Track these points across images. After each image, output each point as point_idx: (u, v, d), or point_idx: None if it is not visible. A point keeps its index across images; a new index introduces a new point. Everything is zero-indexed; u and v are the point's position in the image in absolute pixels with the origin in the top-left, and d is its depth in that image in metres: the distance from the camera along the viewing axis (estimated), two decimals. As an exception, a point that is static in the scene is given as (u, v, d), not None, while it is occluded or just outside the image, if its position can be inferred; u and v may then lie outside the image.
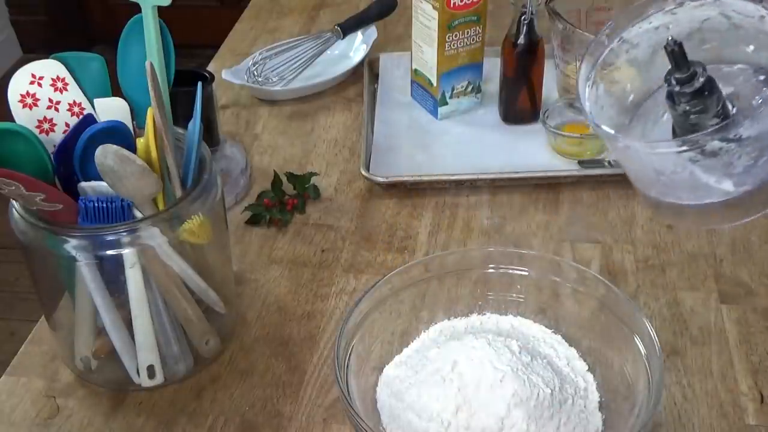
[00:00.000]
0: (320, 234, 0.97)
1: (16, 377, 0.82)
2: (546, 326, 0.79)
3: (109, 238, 0.72)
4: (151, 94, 0.72)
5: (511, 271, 0.81)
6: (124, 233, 0.72)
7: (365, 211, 1.01)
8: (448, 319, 0.81)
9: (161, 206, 0.75)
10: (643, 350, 0.71)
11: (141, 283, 0.74)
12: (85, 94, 0.76)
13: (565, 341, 0.78)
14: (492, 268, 0.81)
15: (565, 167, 1.05)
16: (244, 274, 0.92)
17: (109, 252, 0.73)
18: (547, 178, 1.03)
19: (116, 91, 0.77)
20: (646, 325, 0.71)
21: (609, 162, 1.04)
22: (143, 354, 0.77)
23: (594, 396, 0.74)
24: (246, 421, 0.77)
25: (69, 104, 0.76)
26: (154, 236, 0.73)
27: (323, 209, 1.01)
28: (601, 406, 0.73)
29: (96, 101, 0.76)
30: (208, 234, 0.76)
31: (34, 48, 2.93)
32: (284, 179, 1.02)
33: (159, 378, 0.79)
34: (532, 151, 1.08)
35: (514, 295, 0.81)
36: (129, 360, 0.78)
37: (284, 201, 1.00)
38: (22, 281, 2.05)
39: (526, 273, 0.81)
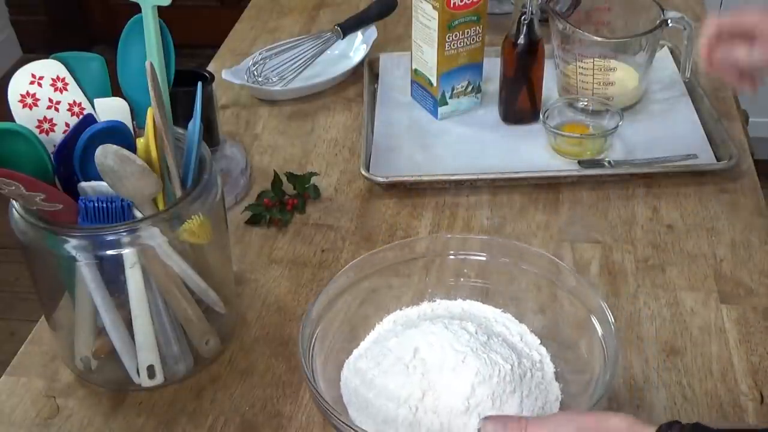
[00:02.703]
0: (320, 234, 0.97)
1: (16, 377, 0.82)
2: (497, 307, 0.81)
3: (109, 238, 0.72)
4: (151, 93, 0.72)
5: (460, 257, 0.83)
6: (124, 233, 0.72)
7: (365, 211, 1.01)
8: (401, 308, 0.82)
9: (161, 206, 0.75)
10: (599, 329, 0.73)
11: (141, 283, 0.74)
12: (85, 94, 0.76)
13: (516, 319, 0.80)
14: (439, 254, 0.83)
15: (565, 167, 1.05)
16: (244, 274, 0.92)
17: (109, 252, 0.73)
18: (547, 178, 1.03)
19: (116, 91, 0.77)
20: (601, 304, 0.73)
21: (609, 162, 1.04)
22: (143, 354, 0.77)
23: (549, 367, 0.76)
24: (246, 421, 0.77)
25: (69, 104, 0.76)
26: (154, 236, 0.73)
27: (323, 209, 1.01)
28: (557, 376, 0.75)
29: (96, 101, 0.76)
30: (208, 234, 0.76)
31: (34, 48, 2.93)
32: (284, 179, 1.02)
33: (159, 378, 0.79)
34: (532, 151, 1.08)
35: (463, 279, 0.83)
36: (129, 360, 0.78)
37: (284, 201, 1.00)
38: (22, 281, 2.05)
39: (477, 257, 0.82)
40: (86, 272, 0.73)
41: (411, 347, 0.74)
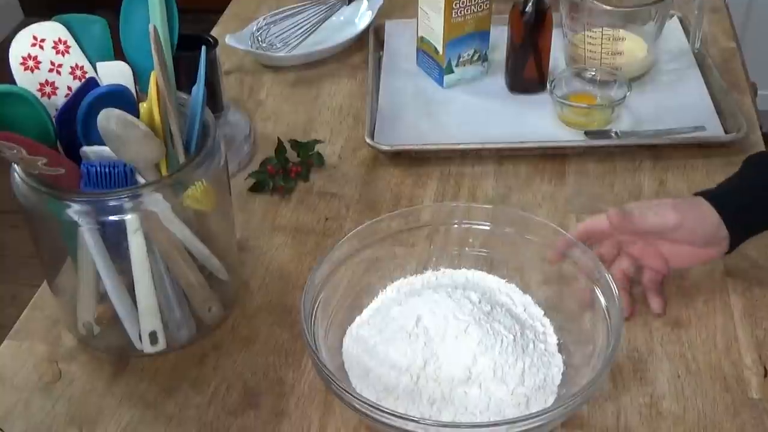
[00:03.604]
0: (324, 202, 0.97)
1: (18, 342, 0.82)
2: (501, 277, 0.81)
3: (112, 203, 0.71)
4: (155, 57, 0.71)
5: (464, 226, 0.82)
6: (127, 199, 0.71)
7: (369, 180, 1.00)
8: (404, 277, 0.82)
9: (164, 172, 0.74)
10: (603, 301, 0.73)
11: (143, 248, 0.74)
12: (87, 58, 0.75)
13: (520, 290, 0.80)
14: (444, 223, 0.83)
15: (572, 138, 1.04)
16: (248, 242, 0.92)
17: (112, 217, 0.72)
18: (554, 149, 1.02)
19: (119, 54, 0.76)
20: (606, 276, 0.73)
21: (616, 133, 1.03)
22: (145, 320, 0.77)
23: (552, 339, 0.76)
24: (248, 387, 0.77)
25: (71, 67, 0.75)
26: (157, 202, 0.72)
27: (327, 177, 1.00)
28: (561, 348, 0.76)
29: (98, 65, 0.75)
30: (211, 201, 0.76)
31: (35, 11, 2.90)
32: (288, 146, 1.01)
33: (161, 344, 0.78)
34: (538, 122, 1.07)
35: (467, 249, 0.83)
36: (131, 326, 0.77)
37: (288, 168, 1.00)
38: (24, 246, 2.05)
39: (481, 226, 0.82)
40: (88, 237, 0.73)
41: (414, 315, 0.74)
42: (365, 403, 0.66)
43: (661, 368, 0.76)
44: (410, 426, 0.65)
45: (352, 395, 0.67)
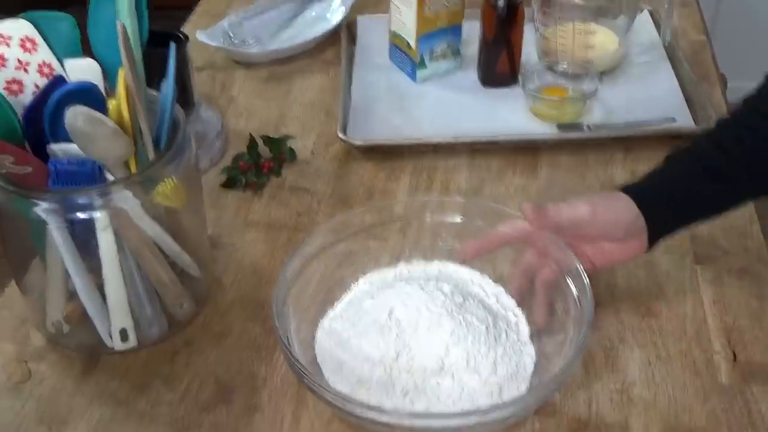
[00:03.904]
0: (296, 197, 0.97)
1: (-13, 341, 0.81)
2: (473, 269, 0.81)
3: (80, 201, 0.71)
4: (123, 54, 0.71)
5: (437, 219, 0.82)
6: (96, 196, 0.71)
7: (342, 175, 1.00)
8: (377, 270, 0.82)
9: (134, 169, 0.74)
10: (574, 291, 0.73)
11: (113, 246, 0.73)
12: (55, 55, 0.75)
13: (492, 281, 0.80)
14: (416, 217, 0.83)
15: (544, 131, 1.04)
16: (220, 238, 0.91)
17: (81, 215, 0.71)
18: (526, 142, 1.02)
19: (87, 51, 0.75)
20: (576, 265, 0.73)
21: (588, 126, 1.04)
22: (116, 317, 0.77)
23: (525, 328, 0.77)
24: (221, 383, 0.76)
25: (39, 65, 0.74)
26: (126, 199, 0.72)
27: (299, 172, 1.00)
28: (533, 337, 0.76)
29: (66, 62, 0.74)
30: (181, 197, 0.75)
31: (2, 7, 2.87)
32: (260, 142, 1.01)
33: (132, 341, 0.78)
34: (510, 115, 1.07)
35: (440, 242, 0.83)
36: (101, 324, 0.77)
37: (260, 164, 0.99)
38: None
39: (453, 219, 0.82)
40: (57, 236, 0.72)
41: (386, 308, 0.74)
42: (337, 396, 0.66)
43: (632, 356, 0.77)
44: (383, 418, 0.65)
45: (324, 389, 0.67)
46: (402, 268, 0.82)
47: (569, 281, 0.74)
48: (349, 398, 0.66)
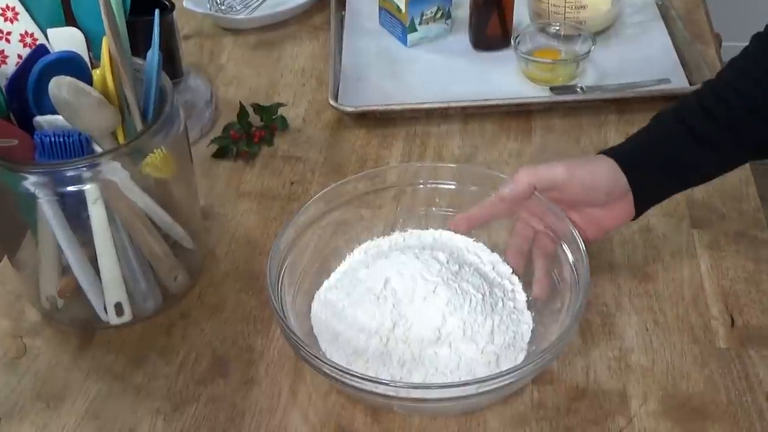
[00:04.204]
0: (289, 166, 0.95)
1: (-20, 318, 0.80)
2: (469, 236, 0.80)
3: (69, 173, 0.70)
4: (105, 22, 0.69)
5: (430, 186, 0.81)
6: (85, 168, 0.70)
7: (334, 142, 0.99)
8: (372, 239, 0.81)
9: (121, 140, 0.73)
10: (570, 257, 0.73)
11: (104, 219, 0.72)
12: (37, 24, 0.73)
13: (488, 248, 0.79)
14: (410, 184, 0.82)
15: (537, 94, 1.03)
16: (212, 209, 0.90)
17: (70, 188, 0.70)
18: (519, 105, 1.01)
19: (71, 20, 0.73)
20: (573, 232, 0.72)
21: (581, 88, 1.03)
22: (110, 291, 0.76)
23: (521, 296, 0.76)
24: (217, 356, 0.76)
25: (21, 35, 0.72)
26: (115, 171, 0.71)
27: (291, 141, 0.99)
28: (529, 305, 0.75)
29: (49, 31, 0.73)
30: (171, 168, 0.74)
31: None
32: (251, 111, 1.00)
33: (127, 315, 0.77)
34: (503, 78, 1.06)
35: (434, 209, 0.82)
36: (95, 298, 0.76)
37: (251, 133, 0.98)
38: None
39: (447, 186, 0.81)
40: (47, 209, 0.71)
41: (381, 277, 0.73)
42: (334, 367, 0.65)
43: (629, 322, 0.76)
44: (380, 389, 0.65)
45: (321, 360, 0.66)
46: (397, 236, 0.81)
47: (565, 247, 0.74)
48: (347, 370, 0.65)
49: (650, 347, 0.74)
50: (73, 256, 0.74)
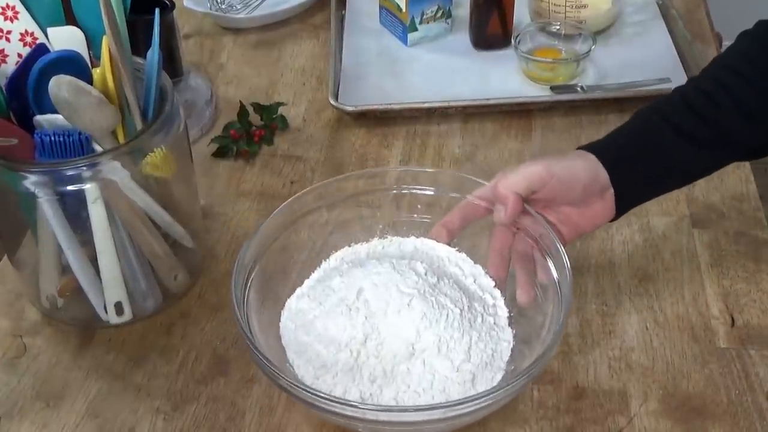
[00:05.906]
0: (289, 165, 0.95)
1: (-20, 317, 0.80)
2: (451, 246, 0.76)
3: (69, 173, 0.70)
4: (105, 21, 0.69)
5: (412, 191, 0.78)
6: (85, 168, 0.70)
7: (334, 141, 0.99)
8: (349, 245, 0.77)
9: (122, 139, 0.73)
10: (555, 273, 0.69)
11: (104, 218, 0.72)
12: (37, 23, 0.73)
13: (471, 259, 0.75)
14: (393, 189, 0.78)
15: (538, 93, 1.03)
16: (213, 208, 0.90)
17: (70, 187, 0.70)
18: (519, 105, 1.01)
19: (71, 19, 0.73)
20: (558, 246, 0.69)
21: (581, 87, 1.03)
22: (110, 291, 0.76)
23: (503, 312, 0.72)
24: (217, 355, 0.76)
25: (20, 34, 0.72)
26: (115, 170, 0.71)
27: (291, 140, 0.99)
28: (511, 321, 0.72)
29: (49, 30, 0.73)
30: (171, 167, 0.74)
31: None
32: (251, 110, 1.00)
33: (127, 315, 0.77)
34: (503, 78, 1.06)
35: (416, 216, 0.78)
36: (95, 297, 0.76)
37: (251, 132, 0.98)
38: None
39: (428, 192, 0.78)
40: (47, 209, 0.71)
41: (355, 287, 0.69)
42: (301, 387, 0.62)
43: (629, 321, 0.76)
44: (348, 411, 0.61)
45: (277, 373, 0.62)
46: (376, 243, 0.77)
47: (549, 263, 0.70)
48: (313, 391, 0.61)
49: (650, 347, 0.74)
50: (73, 256, 0.74)
